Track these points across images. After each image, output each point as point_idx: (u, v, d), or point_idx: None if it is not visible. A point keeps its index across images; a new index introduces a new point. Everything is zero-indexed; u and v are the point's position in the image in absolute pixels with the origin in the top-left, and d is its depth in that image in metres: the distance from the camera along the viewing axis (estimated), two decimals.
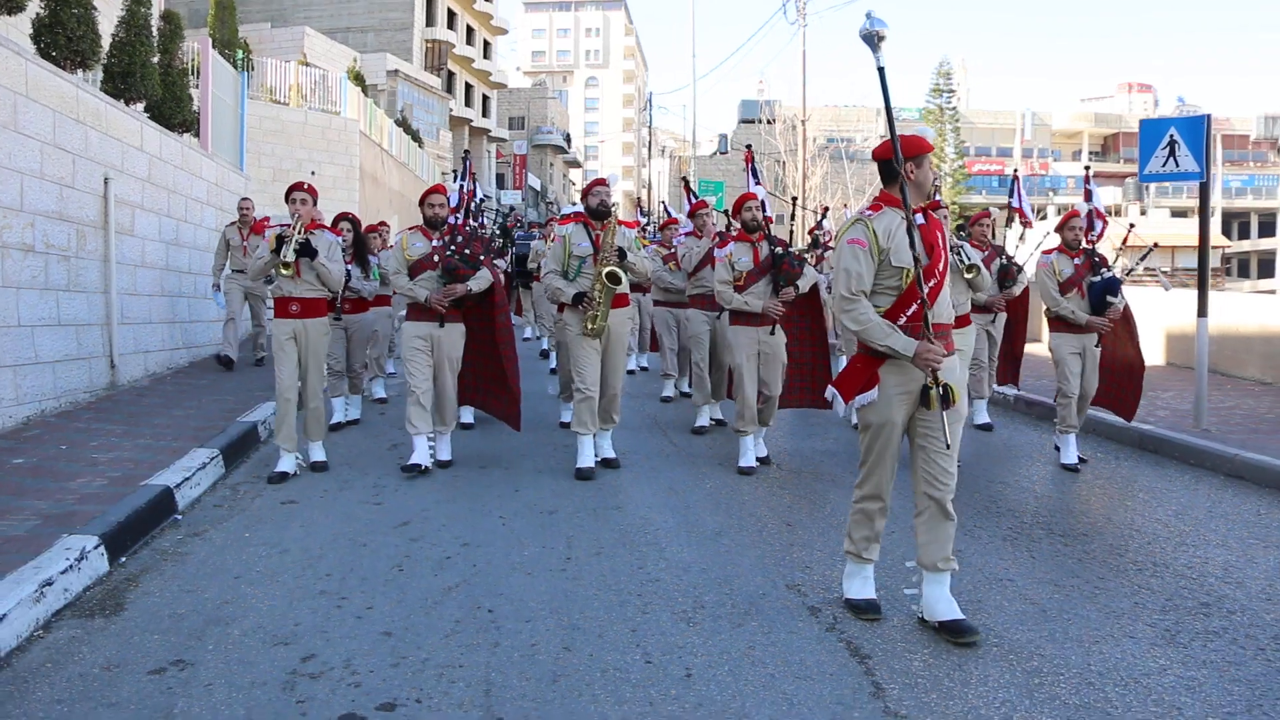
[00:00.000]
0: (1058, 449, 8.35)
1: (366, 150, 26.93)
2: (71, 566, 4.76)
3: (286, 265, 7.21)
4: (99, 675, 3.90)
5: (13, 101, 8.16)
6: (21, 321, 8.22)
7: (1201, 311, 9.31)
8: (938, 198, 5.43)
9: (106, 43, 11.28)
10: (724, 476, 7.59)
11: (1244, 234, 78.72)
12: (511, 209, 37.94)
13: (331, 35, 42.06)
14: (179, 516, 6.20)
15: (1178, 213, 73.83)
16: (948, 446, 4.45)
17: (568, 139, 77.56)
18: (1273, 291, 57.06)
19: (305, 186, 7.60)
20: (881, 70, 4.46)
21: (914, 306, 4.48)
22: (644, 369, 14.07)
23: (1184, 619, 4.68)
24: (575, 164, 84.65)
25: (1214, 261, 71.36)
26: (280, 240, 7.25)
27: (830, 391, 4.77)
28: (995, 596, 4.95)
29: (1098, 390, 8.37)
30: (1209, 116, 9.56)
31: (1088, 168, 9.75)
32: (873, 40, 4.44)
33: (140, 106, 12.01)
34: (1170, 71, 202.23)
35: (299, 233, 7.26)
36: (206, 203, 13.61)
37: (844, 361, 12.07)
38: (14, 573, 4.53)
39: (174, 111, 13.00)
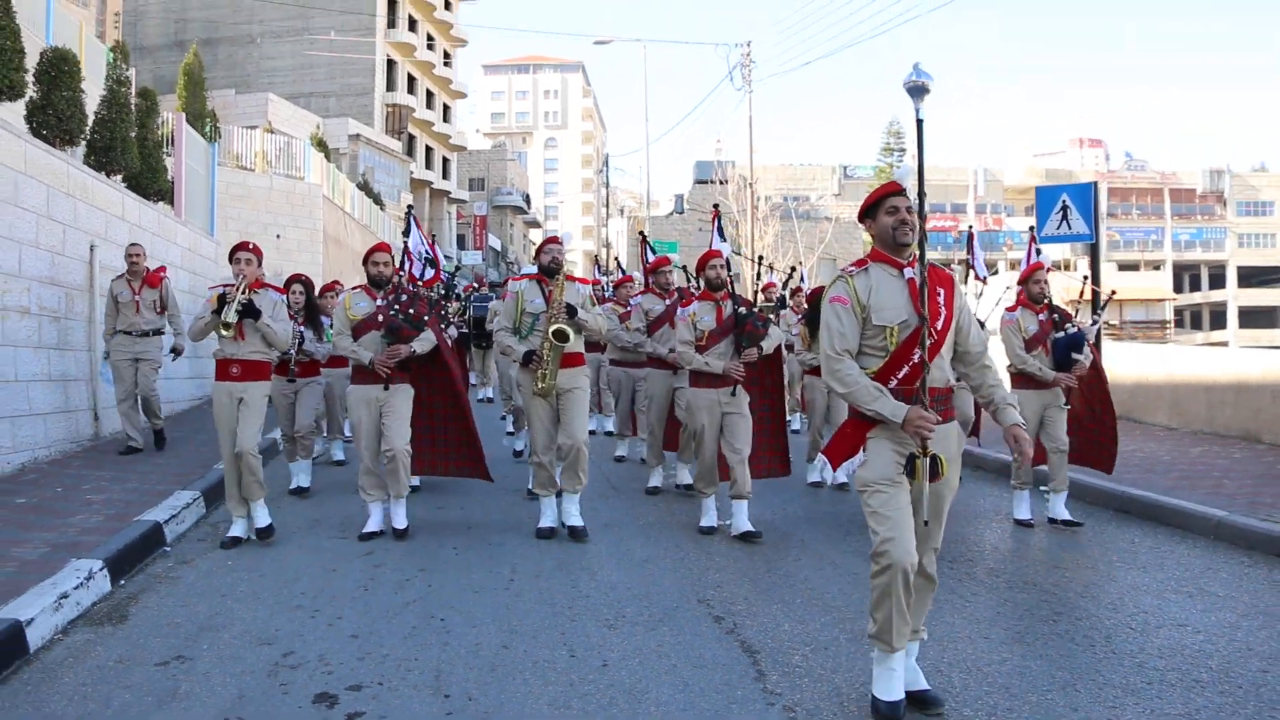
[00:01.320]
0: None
1: (329, 214, 27.81)
2: (81, 584, 5.57)
3: (228, 326, 6.95)
4: (113, 667, 4.71)
5: (14, 179, 9.03)
6: (18, 377, 9.01)
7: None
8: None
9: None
10: (658, 513, 8.39)
11: (1195, 286, 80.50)
12: (458, 268, 38.62)
13: (294, 100, 42.95)
14: (168, 548, 7.00)
15: (1125, 266, 75.72)
16: (925, 523, 4.19)
17: (527, 199, 78.59)
18: (1225, 343, 58.25)
19: (250, 246, 7.39)
20: (920, 122, 4.40)
21: (905, 369, 4.23)
22: (609, 434, 12.97)
23: (1035, 624, 5.55)
24: (535, 224, 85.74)
25: (1164, 314, 73.50)
26: (222, 300, 7.01)
27: (820, 460, 4.63)
28: None
29: (1072, 447, 8.24)
30: (1095, 184, 10.71)
31: (1032, 228, 10.54)
32: (918, 92, 4.39)
33: (119, 178, 12.84)
34: (1120, 127, 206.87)
35: (242, 293, 7.05)
36: (181, 266, 14.42)
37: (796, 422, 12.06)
38: (34, 588, 5.34)
39: (150, 182, 13.87)
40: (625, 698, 4.38)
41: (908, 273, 4.29)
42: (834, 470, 4.41)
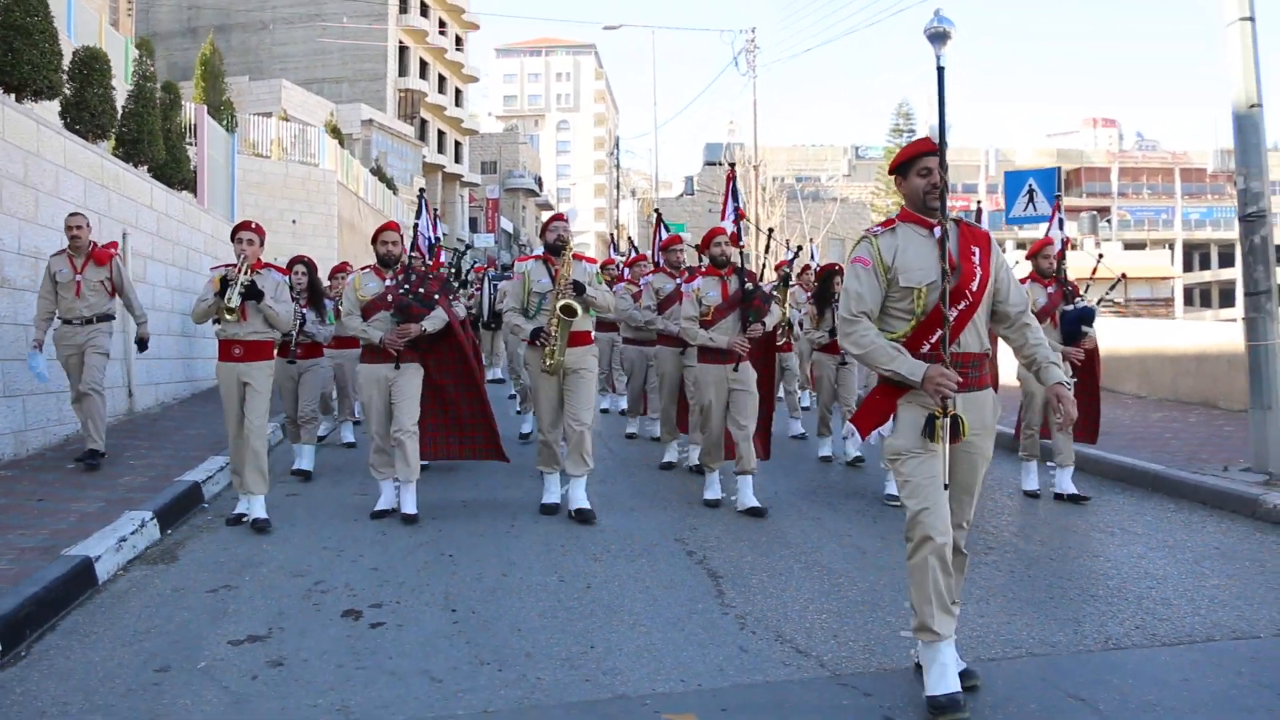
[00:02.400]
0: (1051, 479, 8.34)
1: (344, 199, 28.61)
2: (137, 530, 6.38)
3: (231, 310, 6.93)
4: (170, 594, 5.53)
5: (55, 173, 9.83)
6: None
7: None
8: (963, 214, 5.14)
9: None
10: (659, 484, 8.89)
11: (1204, 265, 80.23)
12: (468, 247, 39.24)
13: (308, 86, 43.54)
14: (206, 505, 7.81)
15: (1131, 245, 76.03)
16: (945, 486, 3.99)
17: (539, 182, 79.18)
18: (1234, 320, 58.61)
19: (252, 225, 7.30)
20: (941, 70, 4.20)
21: (938, 333, 4.03)
22: (622, 412, 12.96)
23: (975, 554, 6.34)
24: (547, 206, 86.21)
25: (1167, 292, 73.80)
26: (225, 282, 6.98)
27: (847, 428, 4.44)
28: (839, 549, 6.59)
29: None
30: (1059, 169, 11.40)
31: (1058, 196, 10.57)
32: (940, 38, 4.28)
33: (145, 169, 13.63)
34: (1133, 106, 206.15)
35: (245, 274, 7.00)
36: (204, 252, 15.24)
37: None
38: (98, 533, 6.16)
39: (174, 172, 14.63)
40: (603, 611, 5.19)
41: (938, 232, 4.08)
42: (862, 439, 4.25)
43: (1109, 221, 77.57)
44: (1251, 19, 8.82)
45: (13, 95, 9.68)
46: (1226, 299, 76.09)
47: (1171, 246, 78.61)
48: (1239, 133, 8.88)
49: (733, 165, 10.28)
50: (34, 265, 9.28)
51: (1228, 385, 12.38)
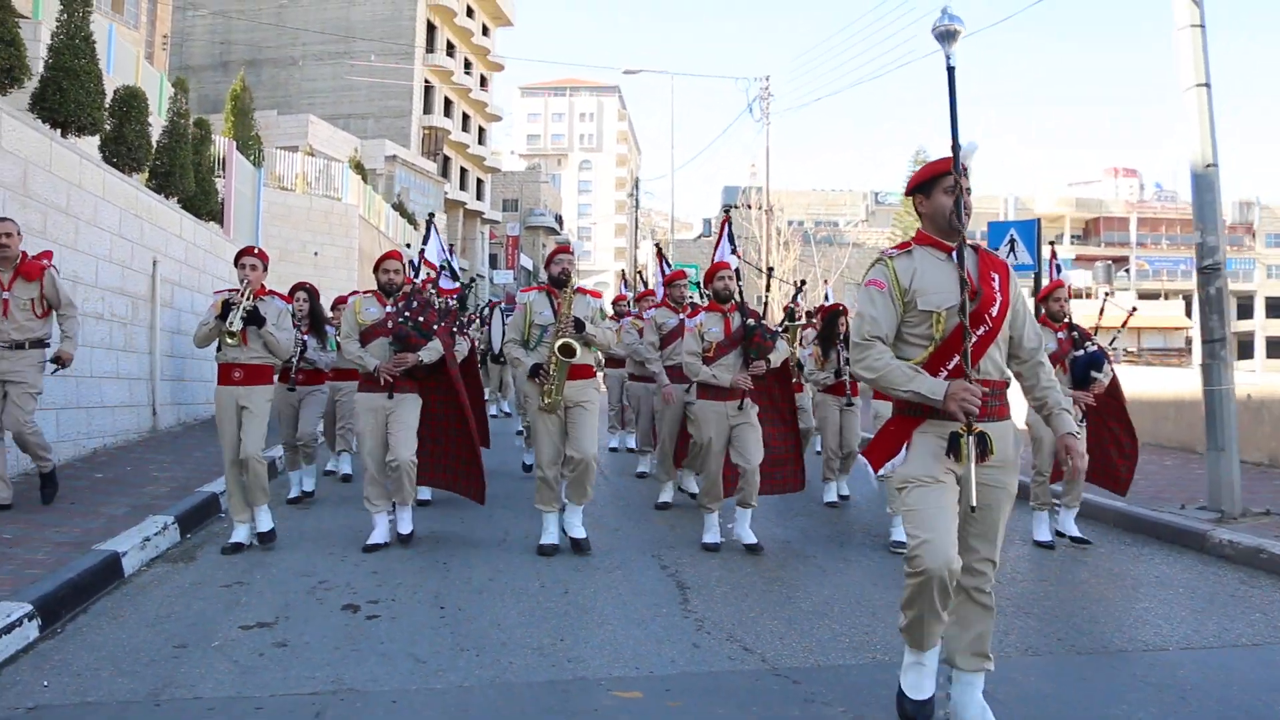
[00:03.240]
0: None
1: (365, 232, 29.38)
2: (159, 532, 7.02)
3: (232, 334, 7.01)
4: (189, 587, 6.14)
5: (94, 203, 10.55)
6: (93, 374, 10.49)
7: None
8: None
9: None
10: (630, 492, 9.68)
11: None
12: (473, 280, 39.83)
13: (334, 121, 44.56)
14: (222, 514, 8.40)
15: (1146, 295, 76.37)
16: (973, 509, 3.79)
17: (559, 220, 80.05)
18: (1253, 372, 58.79)
19: (255, 251, 7.37)
20: (951, 70, 4.06)
21: (955, 360, 3.88)
22: (630, 450, 12.80)
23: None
24: (564, 240, 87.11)
25: (1180, 342, 74.11)
26: (227, 306, 7.05)
27: (861, 461, 4.26)
28: (802, 567, 7.15)
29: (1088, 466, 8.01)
30: (1039, 220, 12.01)
31: (1053, 243, 11.00)
32: (948, 37, 4.14)
33: (175, 200, 14.35)
34: (1153, 156, 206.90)
35: (247, 299, 7.08)
36: (229, 281, 15.92)
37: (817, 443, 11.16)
38: (125, 532, 6.79)
39: (203, 204, 15.36)
40: (576, 611, 5.78)
41: (956, 256, 3.95)
42: (875, 471, 4.08)
43: (1127, 271, 77.93)
44: (1208, 85, 9.41)
45: (59, 130, 10.40)
46: (1245, 350, 76.10)
47: (1189, 297, 78.98)
48: (1196, 191, 9.44)
49: (728, 209, 10.23)
50: (71, 289, 9.92)
51: (1250, 435, 12.76)
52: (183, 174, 14.21)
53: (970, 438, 3.73)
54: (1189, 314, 77.86)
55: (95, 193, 10.64)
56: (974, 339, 3.86)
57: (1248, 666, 5.09)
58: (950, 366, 3.88)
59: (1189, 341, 76.38)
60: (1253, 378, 14.17)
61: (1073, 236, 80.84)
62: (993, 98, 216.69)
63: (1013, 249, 11.77)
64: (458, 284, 11.28)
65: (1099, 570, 7.20)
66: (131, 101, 12.38)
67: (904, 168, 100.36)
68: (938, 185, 4.01)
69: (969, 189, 4.02)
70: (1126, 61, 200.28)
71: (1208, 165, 9.40)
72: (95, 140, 11.91)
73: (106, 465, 9.71)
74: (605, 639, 5.25)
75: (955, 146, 3.94)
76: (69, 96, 10.43)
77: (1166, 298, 76.94)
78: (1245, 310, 78.60)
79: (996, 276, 4.02)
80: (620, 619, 5.64)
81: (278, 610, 5.68)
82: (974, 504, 3.74)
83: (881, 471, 4.03)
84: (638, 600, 6.04)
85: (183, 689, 4.45)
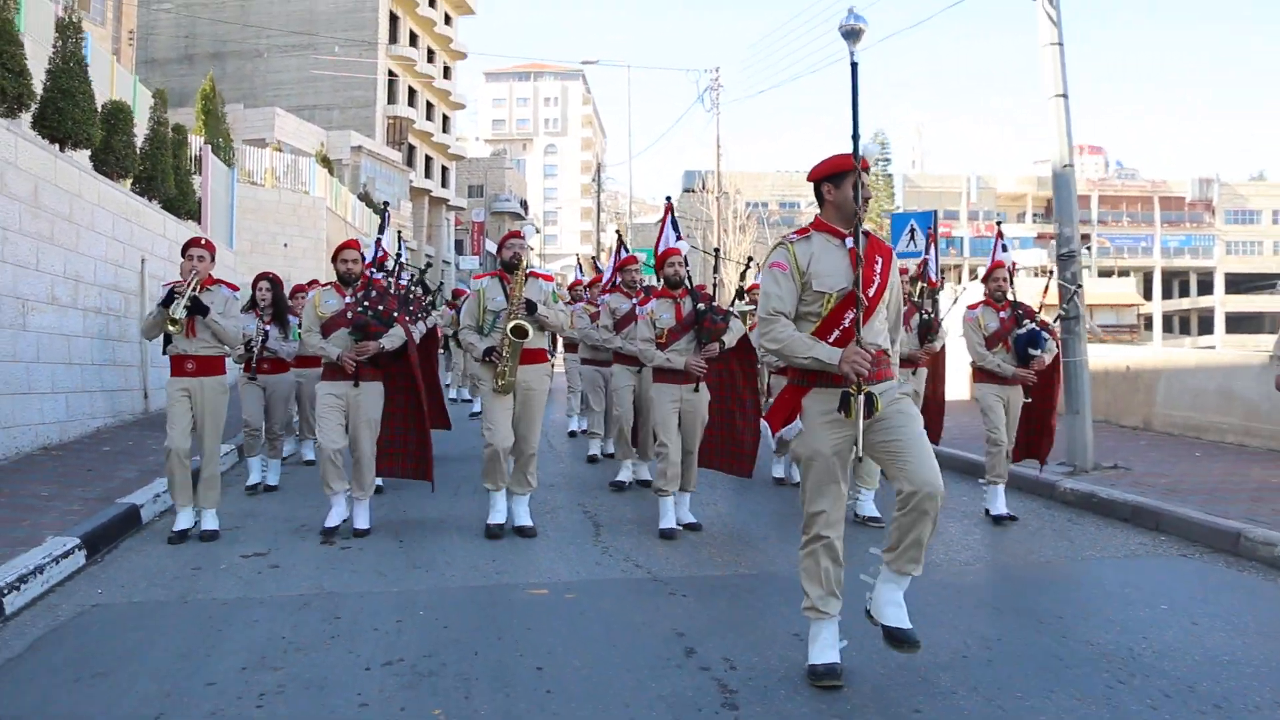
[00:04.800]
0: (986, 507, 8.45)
1: (332, 224, 30.64)
2: (165, 491, 8.41)
3: (174, 322, 7.01)
4: (196, 530, 7.55)
5: (91, 210, 11.93)
6: (93, 361, 11.87)
7: None
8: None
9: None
10: (585, 474, 11.07)
11: (1183, 292, 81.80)
12: (428, 266, 40.87)
13: (299, 112, 45.32)
14: None
15: (1104, 272, 77.01)
16: (859, 459, 4.35)
17: (525, 205, 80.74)
18: (1212, 347, 60.31)
19: (202, 242, 7.41)
20: (854, 65, 4.35)
21: (836, 333, 4.33)
22: (585, 432, 12.59)
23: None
24: (527, 224, 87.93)
25: (1132, 319, 75.73)
26: (172, 295, 7.11)
27: (761, 424, 4.74)
28: (713, 517, 8.59)
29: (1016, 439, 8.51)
30: (935, 212, 13.48)
31: (999, 222, 11.83)
32: (852, 36, 4.45)
33: (158, 203, 15.67)
34: (1117, 134, 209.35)
35: (192, 289, 7.11)
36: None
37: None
38: (139, 490, 8.24)
39: (181, 204, 16.67)
40: (508, 542, 7.29)
41: (848, 242, 4.38)
42: (773, 434, 4.55)
43: (1089, 249, 78.39)
44: (1065, 95, 10.92)
45: (57, 145, 11.76)
46: (1205, 326, 77.80)
47: (1149, 274, 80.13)
48: (1056, 188, 11.02)
49: (669, 199, 10.20)
50: (74, 287, 11.35)
51: (1127, 402, 14.30)
52: (164, 178, 15.53)
53: (860, 397, 4.18)
54: (1148, 294, 79.81)
55: (92, 200, 12.00)
56: (849, 317, 4.32)
57: (1035, 577, 6.63)
58: (832, 340, 4.32)
59: (1142, 318, 77.92)
60: (1128, 351, 15.62)
61: (1034, 215, 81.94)
62: (961, 76, 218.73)
63: (912, 237, 13.25)
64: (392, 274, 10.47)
65: (952, 513, 8.42)
66: (118, 115, 13.72)
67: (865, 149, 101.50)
68: (847, 179, 4.41)
69: (867, 183, 4.49)
70: (1098, 38, 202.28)
71: (1065, 165, 10.94)
72: (87, 152, 13.22)
73: (110, 440, 11.09)
74: (527, 558, 6.77)
75: (855, 138, 4.32)
76: (66, 115, 11.77)
77: (1120, 275, 78.33)
78: (1205, 286, 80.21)
79: (880, 260, 4.49)
80: (543, 547, 7.13)
81: (269, 543, 7.19)
82: (859, 455, 4.30)
83: (779, 434, 4.53)
84: (559, 534, 7.52)
85: (202, 594, 5.93)
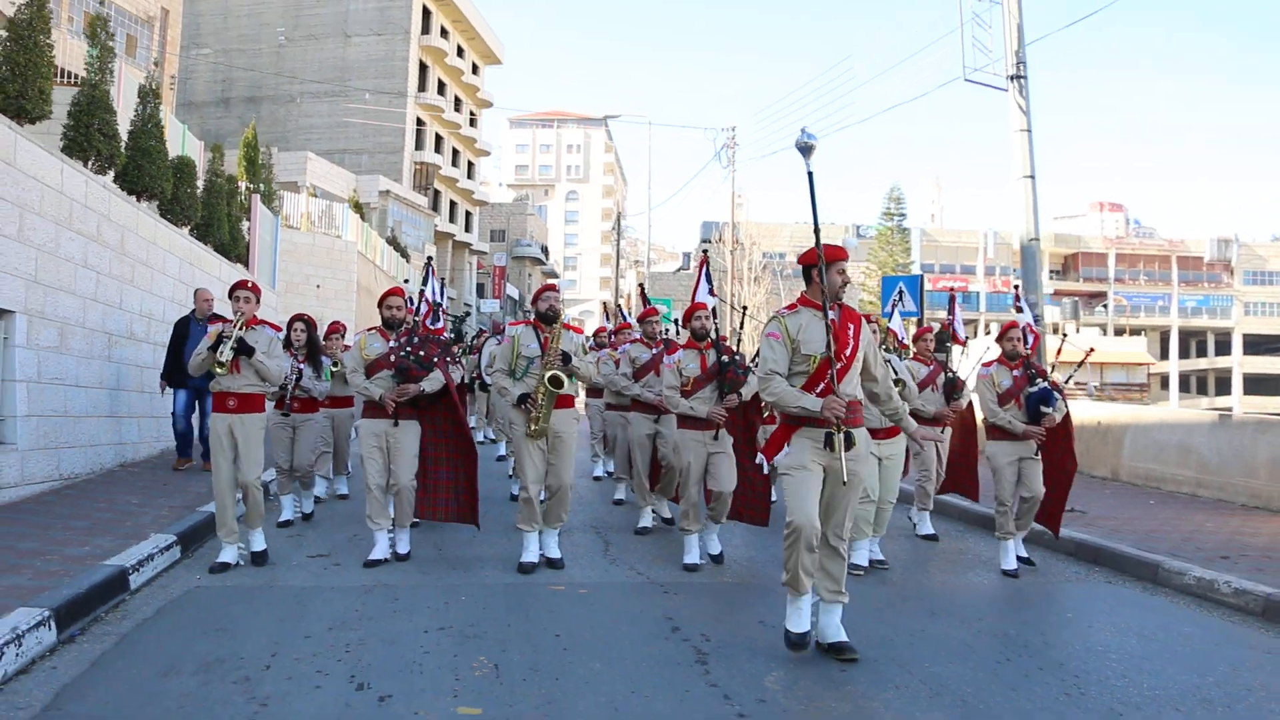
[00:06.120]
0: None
1: (362, 267, 32.08)
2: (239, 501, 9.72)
3: (221, 364, 7.39)
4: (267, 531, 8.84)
5: (162, 256, 13.37)
6: (143, 388, 13.12)
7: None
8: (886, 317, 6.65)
9: None
10: (611, 518, 12.23)
11: (1201, 352, 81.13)
12: (466, 314, 41.88)
13: (330, 156, 47.17)
14: (272, 496, 11.06)
15: (1120, 331, 76.61)
16: (844, 482, 5.35)
17: (545, 251, 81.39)
18: (1229, 409, 60.40)
19: (249, 285, 7.82)
20: (810, 175, 5.20)
21: (821, 385, 5.40)
22: (612, 475, 12.72)
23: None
24: (553, 274, 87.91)
25: (1142, 378, 75.84)
26: (220, 338, 7.47)
27: (759, 457, 5.90)
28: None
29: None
30: (922, 275, 14.79)
31: (1016, 286, 12.34)
32: (806, 151, 5.29)
33: (211, 246, 17.08)
34: (1137, 191, 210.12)
35: (239, 329, 7.51)
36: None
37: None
38: (200, 507, 9.50)
39: (232, 247, 18.12)
40: (542, 569, 8.52)
41: (830, 314, 5.44)
42: (769, 462, 5.72)
43: (1105, 307, 78.52)
44: (1033, 177, 12.27)
45: (135, 198, 13.18)
46: (1223, 386, 77.02)
47: (1166, 334, 79.17)
48: (1024, 260, 12.32)
49: (705, 251, 11.65)
50: (148, 324, 12.72)
51: (1098, 454, 15.28)
52: (219, 225, 16.97)
53: (840, 435, 5.29)
54: (1165, 354, 79.24)
55: (164, 247, 13.43)
56: (833, 371, 5.42)
57: (986, 593, 7.89)
58: (817, 391, 5.42)
59: (1154, 378, 77.01)
60: (1099, 407, 16.74)
61: (1051, 271, 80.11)
62: (966, 130, 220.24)
63: (901, 297, 14.52)
64: (441, 325, 11.45)
65: (940, 550, 9.56)
66: (184, 169, 15.17)
67: (880, 203, 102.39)
68: (834, 268, 5.54)
69: (845, 269, 5.61)
70: (1119, 93, 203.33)
71: (1031, 239, 12.27)
72: (156, 201, 14.65)
73: (151, 466, 12.40)
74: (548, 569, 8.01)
75: (817, 231, 5.56)
76: (145, 171, 13.20)
77: (1133, 334, 76.93)
78: (1223, 347, 79.64)
79: (852, 327, 5.59)
80: (577, 574, 8.29)
81: (329, 548, 8.50)
82: (844, 480, 5.33)
83: (774, 461, 5.59)
84: (575, 549, 8.75)
85: (282, 582, 7.27)
